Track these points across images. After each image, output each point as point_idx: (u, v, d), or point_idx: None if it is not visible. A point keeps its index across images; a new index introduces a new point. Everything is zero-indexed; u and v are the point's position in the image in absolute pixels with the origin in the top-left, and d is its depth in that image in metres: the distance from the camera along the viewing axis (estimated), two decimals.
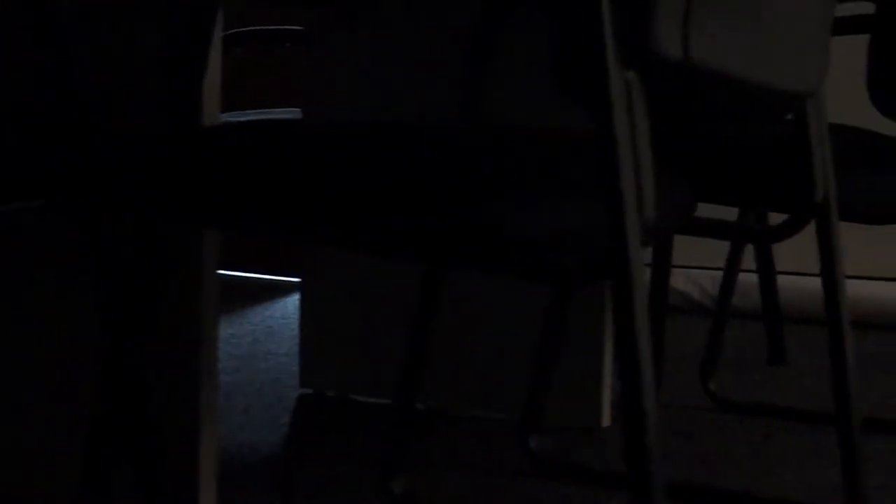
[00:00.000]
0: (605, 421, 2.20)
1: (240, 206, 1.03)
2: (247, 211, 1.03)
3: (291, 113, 3.11)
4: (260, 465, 1.94)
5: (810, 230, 1.50)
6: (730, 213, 2.78)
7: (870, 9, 1.77)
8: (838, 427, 1.52)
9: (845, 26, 2.14)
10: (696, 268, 3.37)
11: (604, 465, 1.98)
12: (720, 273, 2.47)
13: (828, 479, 1.93)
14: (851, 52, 2.82)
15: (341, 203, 0.99)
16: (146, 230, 1.18)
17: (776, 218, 1.97)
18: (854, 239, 3.17)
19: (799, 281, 3.19)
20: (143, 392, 1.21)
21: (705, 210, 1.77)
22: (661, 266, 2.33)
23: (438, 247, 0.96)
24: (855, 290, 3.18)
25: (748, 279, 3.11)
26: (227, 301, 3.35)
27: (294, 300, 3.37)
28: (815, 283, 3.20)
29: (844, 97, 2.76)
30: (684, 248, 3.30)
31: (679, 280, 3.38)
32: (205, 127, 1.17)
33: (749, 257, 2.93)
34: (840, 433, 1.52)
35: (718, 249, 3.22)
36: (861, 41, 1.94)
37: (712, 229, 1.47)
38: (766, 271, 2.59)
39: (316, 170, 1.01)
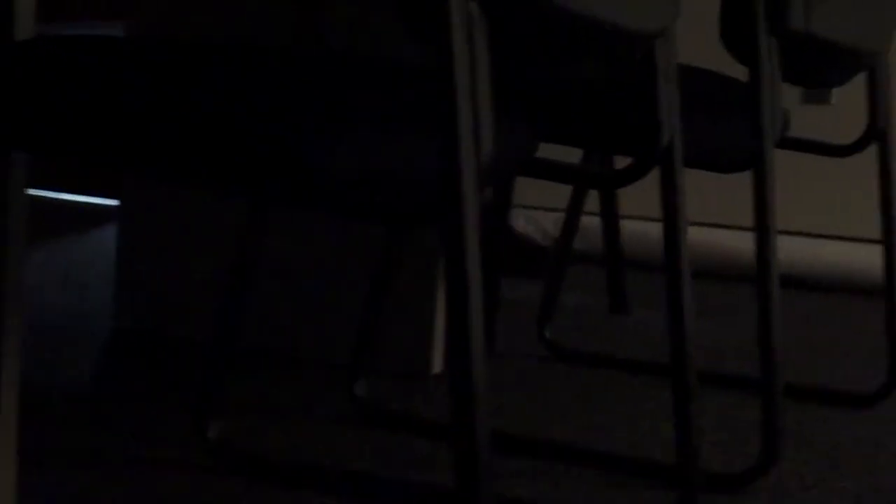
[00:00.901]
0: (437, 367, 2.22)
1: (51, 128, 1.02)
2: (58, 133, 1.02)
3: (113, 28, 3.06)
4: (68, 406, 1.92)
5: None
6: (577, 155, 2.82)
7: None
8: (673, 380, 1.57)
9: None
10: (540, 208, 3.41)
11: (432, 413, 2.00)
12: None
13: (662, 433, 1.98)
14: None
15: (155, 128, 0.98)
16: None
17: (623, 161, 2.00)
18: (701, 185, 3.24)
19: (645, 227, 3.25)
20: None
21: (551, 151, 1.80)
22: (501, 207, 2.35)
23: (257, 181, 0.96)
24: (699, 237, 3.25)
25: (594, 223, 3.17)
26: (37, 225, 3.30)
27: (114, 226, 3.33)
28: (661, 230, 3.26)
29: (700, 38, 2.81)
30: (527, 188, 3.34)
31: (520, 221, 3.41)
32: (17, 41, 1.15)
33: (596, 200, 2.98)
34: (675, 386, 1.57)
35: (564, 190, 3.27)
36: None
37: (553, 172, 1.49)
38: (610, 216, 2.64)
39: (131, 91, 1.00)
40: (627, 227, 3.20)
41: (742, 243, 3.20)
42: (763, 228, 1.71)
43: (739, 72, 1.73)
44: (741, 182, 3.23)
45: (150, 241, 2.34)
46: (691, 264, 3.10)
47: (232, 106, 0.98)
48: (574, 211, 2.40)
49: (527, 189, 3.37)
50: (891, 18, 2.03)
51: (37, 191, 3.78)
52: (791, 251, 3.19)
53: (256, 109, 0.98)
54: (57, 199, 3.74)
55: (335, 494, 1.65)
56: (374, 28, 2.15)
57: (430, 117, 1.03)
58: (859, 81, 2.20)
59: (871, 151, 2.49)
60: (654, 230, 3.25)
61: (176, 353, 2.24)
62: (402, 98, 1.11)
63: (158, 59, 1.10)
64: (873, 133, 2.11)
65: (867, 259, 3.14)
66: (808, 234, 3.25)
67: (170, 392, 2.02)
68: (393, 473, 1.74)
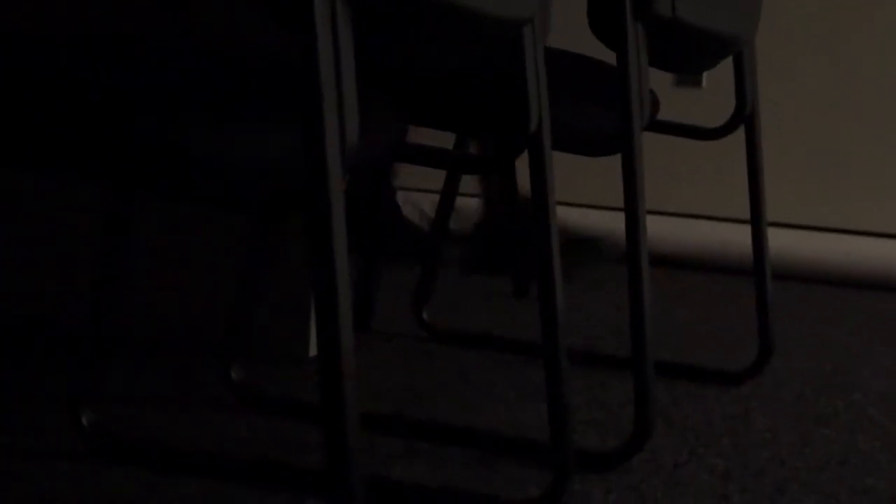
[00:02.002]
0: (313, 350, 2.24)
1: None
2: None
3: None
4: None
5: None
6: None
7: None
8: (545, 359, 1.60)
9: None
10: (417, 190, 3.43)
11: (308, 396, 2.02)
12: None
13: (538, 412, 2.01)
14: None
15: (17, 120, 0.98)
16: None
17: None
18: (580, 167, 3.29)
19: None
20: None
21: (427, 135, 1.82)
22: (378, 191, 2.36)
23: (123, 170, 0.97)
24: (571, 218, 3.29)
25: (473, 204, 3.19)
26: None
27: None
28: (566, 213, 3.28)
29: (573, 22, 2.85)
30: (405, 168, 3.35)
31: (402, 203, 3.43)
32: None
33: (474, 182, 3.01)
34: (547, 366, 1.60)
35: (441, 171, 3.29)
36: None
37: (425, 156, 1.52)
38: (510, 198, 2.67)
39: None
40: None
41: (617, 224, 3.24)
42: (632, 209, 1.75)
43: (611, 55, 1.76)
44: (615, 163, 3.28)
45: (20, 221, 2.33)
46: (567, 245, 3.14)
47: (95, 97, 0.99)
48: (449, 194, 2.42)
49: (407, 171, 3.39)
50: (756, 4, 2.08)
51: None
52: (662, 231, 3.24)
53: (121, 101, 0.99)
54: None
55: (213, 479, 1.66)
56: (239, 18, 2.16)
57: (295, 105, 1.04)
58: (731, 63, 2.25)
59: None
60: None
61: (48, 339, 2.22)
62: (268, 87, 1.12)
63: (23, 51, 1.10)
64: (741, 116, 2.16)
65: (737, 238, 3.21)
66: (680, 214, 3.31)
67: (41, 381, 2.01)
68: (270, 457, 1.75)
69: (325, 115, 0.98)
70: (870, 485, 1.79)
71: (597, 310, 2.74)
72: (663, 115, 3.01)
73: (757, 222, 2.25)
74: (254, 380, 2.07)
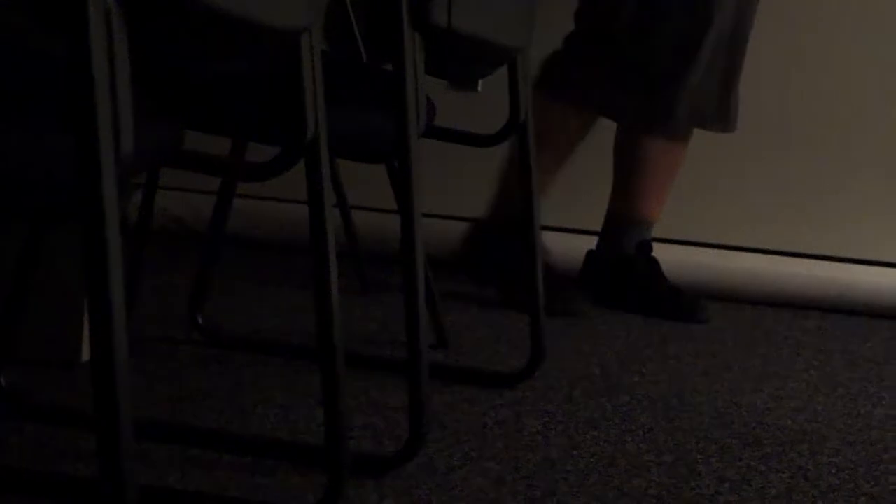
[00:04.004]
0: (85, 355, 2.21)
1: None
2: None
3: None
4: None
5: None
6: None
7: None
8: (321, 364, 1.61)
9: None
10: (196, 191, 3.38)
11: (80, 402, 1.99)
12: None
13: (315, 417, 2.02)
14: None
15: None
16: None
17: None
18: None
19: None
20: None
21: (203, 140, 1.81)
22: (148, 194, 2.34)
23: None
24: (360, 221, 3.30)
25: (255, 206, 3.19)
26: None
27: None
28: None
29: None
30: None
31: (177, 204, 3.39)
32: None
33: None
34: (322, 370, 1.61)
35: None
36: None
37: (198, 163, 1.51)
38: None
39: None
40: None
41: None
42: (408, 214, 1.77)
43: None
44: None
45: None
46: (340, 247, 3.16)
47: None
48: (224, 197, 2.40)
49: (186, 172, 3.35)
50: (530, 15, 2.12)
51: None
52: (440, 235, 3.26)
53: None
54: None
55: None
56: (15, 22, 2.12)
57: (67, 111, 1.04)
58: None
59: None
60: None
61: None
62: (43, 92, 1.11)
63: None
64: (514, 125, 2.20)
65: None
66: (456, 218, 3.34)
67: None
68: (40, 466, 1.73)
69: (99, 120, 0.97)
70: (636, 485, 1.85)
71: (376, 313, 2.76)
72: (439, 120, 3.03)
73: (530, 227, 2.30)
74: (23, 385, 2.03)
